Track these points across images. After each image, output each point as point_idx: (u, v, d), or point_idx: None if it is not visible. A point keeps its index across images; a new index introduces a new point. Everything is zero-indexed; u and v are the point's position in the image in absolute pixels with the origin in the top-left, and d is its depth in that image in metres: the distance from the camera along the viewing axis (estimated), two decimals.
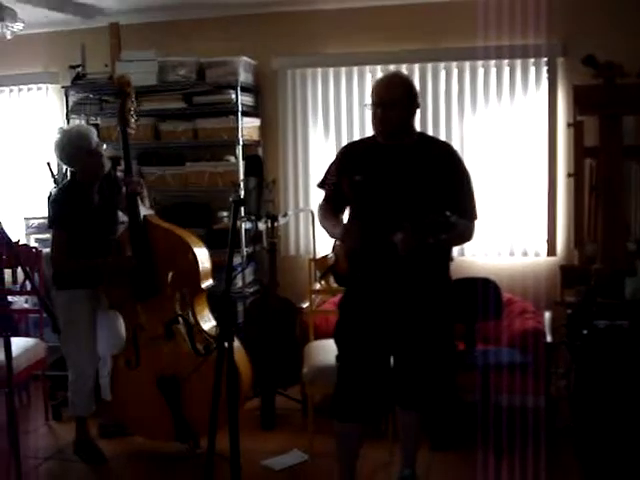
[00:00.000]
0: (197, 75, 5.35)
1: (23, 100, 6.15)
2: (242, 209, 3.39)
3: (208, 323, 4.11)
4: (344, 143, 3.72)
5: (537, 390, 4.31)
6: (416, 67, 5.30)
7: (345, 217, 3.44)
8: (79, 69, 5.53)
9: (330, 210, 3.44)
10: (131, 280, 4.01)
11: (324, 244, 4.80)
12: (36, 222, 5.77)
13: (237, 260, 5.22)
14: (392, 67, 5.23)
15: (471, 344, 4.41)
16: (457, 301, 4.18)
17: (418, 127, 5.14)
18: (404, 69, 5.23)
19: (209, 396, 2.71)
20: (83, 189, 4.04)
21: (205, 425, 2.84)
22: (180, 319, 4.02)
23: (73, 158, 4.02)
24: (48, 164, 5.79)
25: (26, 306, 5.29)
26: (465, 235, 3.28)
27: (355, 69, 5.45)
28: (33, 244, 5.57)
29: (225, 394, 2.66)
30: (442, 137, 5.14)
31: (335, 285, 3.57)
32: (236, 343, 4.04)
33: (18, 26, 4.28)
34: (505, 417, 4.09)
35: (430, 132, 5.17)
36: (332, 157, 3.55)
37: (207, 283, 4.12)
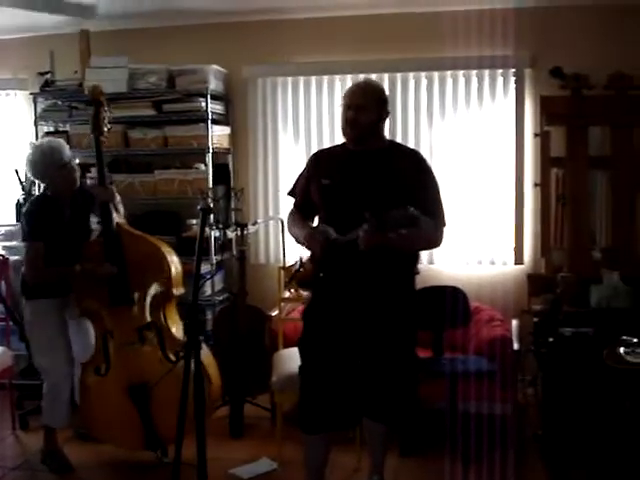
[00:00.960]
0: (167, 83, 5.34)
1: None
2: (211, 217, 3.38)
3: (179, 330, 4.10)
4: (314, 151, 3.73)
5: (505, 398, 4.34)
6: (386, 77, 5.34)
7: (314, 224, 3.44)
8: (48, 76, 5.51)
9: (299, 217, 3.45)
10: (105, 287, 3.99)
11: (294, 252, 4.81)
12: (3, 230, 5.70)
13: (207, 268, 5.22)
14: (362, 76, 5.22)
15: (439, 352, 4.44)
16: (425, 309, 4.21)
17: (387, 136, 5.22)
18: (374, 78, 5.25)
19: (177, 404, 2.71)
20: (55, 202, 4.02)
21: (173, 433, 2.82)
22: (152, 325, 4.02)
23: (44, 174, 4.00)
24: (16, 171, 5.75)
25: None
26: (430, 236, 3.22)
27: (325, 78, 5.48)
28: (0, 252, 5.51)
29: (192, 402, 2.66)
30: (410, 145, 5.18)
31: (300, 291, 3.57)
32: (205, 351, 4.04)
33: None
34: (473, 425, 4.11)
35: (399, 141, 5.20)
36: (302, 165, 3.56)
37: (178, 290, 4.11)
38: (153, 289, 4.04)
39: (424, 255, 5.31)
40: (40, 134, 5.53)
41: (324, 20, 5.39)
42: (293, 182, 3.57)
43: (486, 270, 5.32)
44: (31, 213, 4.01)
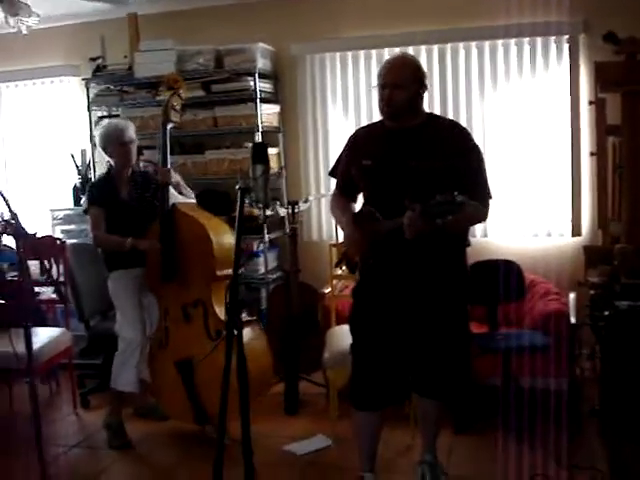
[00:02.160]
0: (215, 63, 5.36)
1: (45, 93, 6.22)
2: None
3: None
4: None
5: (561, 372, 4.26)
6: (435, 48, 5.25)
7: (358, 205, 3.41)
8: (99, 61, 5.58)
9: (342, 199, 3.43)
10: (158, 263, 4.15)
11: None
12: (61, 214, 5.83)
13: (260, 247, 5.29)
14: (410, 49, 5.16)
15: (494, 326, 4.39)
16: (479, 283, 4.16)
17: (438, 109, 5.15)
18: (423, 51, 5.19)
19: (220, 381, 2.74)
20: (113, 181, 4.28)
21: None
22: (198, 303, 4.10)
23: (106, 147, 4.27)
24: (72, 156, 5.87)
25: (53, 297, 5.35)
26: (477, 216, 3.18)
27: (373, 52, 5.41)
28: (59, 235, 5.63)
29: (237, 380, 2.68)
30: (462, 118, 5.12)
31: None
32: (250, 331, 4.08)
33: (33, 20, 4.30)
34: (528, 400, 4.06)
35: (450, 113, 5.14)
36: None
37: (225, 271, 4.12)
38: (198, 269, 4.11)
39: (478, 229, 5.23)
40: (94, 119, 5.62)
41: None
42: (334, 162, 3.55)
43: (541, 242, 5.21)
44: (91, 186, 4.42)
